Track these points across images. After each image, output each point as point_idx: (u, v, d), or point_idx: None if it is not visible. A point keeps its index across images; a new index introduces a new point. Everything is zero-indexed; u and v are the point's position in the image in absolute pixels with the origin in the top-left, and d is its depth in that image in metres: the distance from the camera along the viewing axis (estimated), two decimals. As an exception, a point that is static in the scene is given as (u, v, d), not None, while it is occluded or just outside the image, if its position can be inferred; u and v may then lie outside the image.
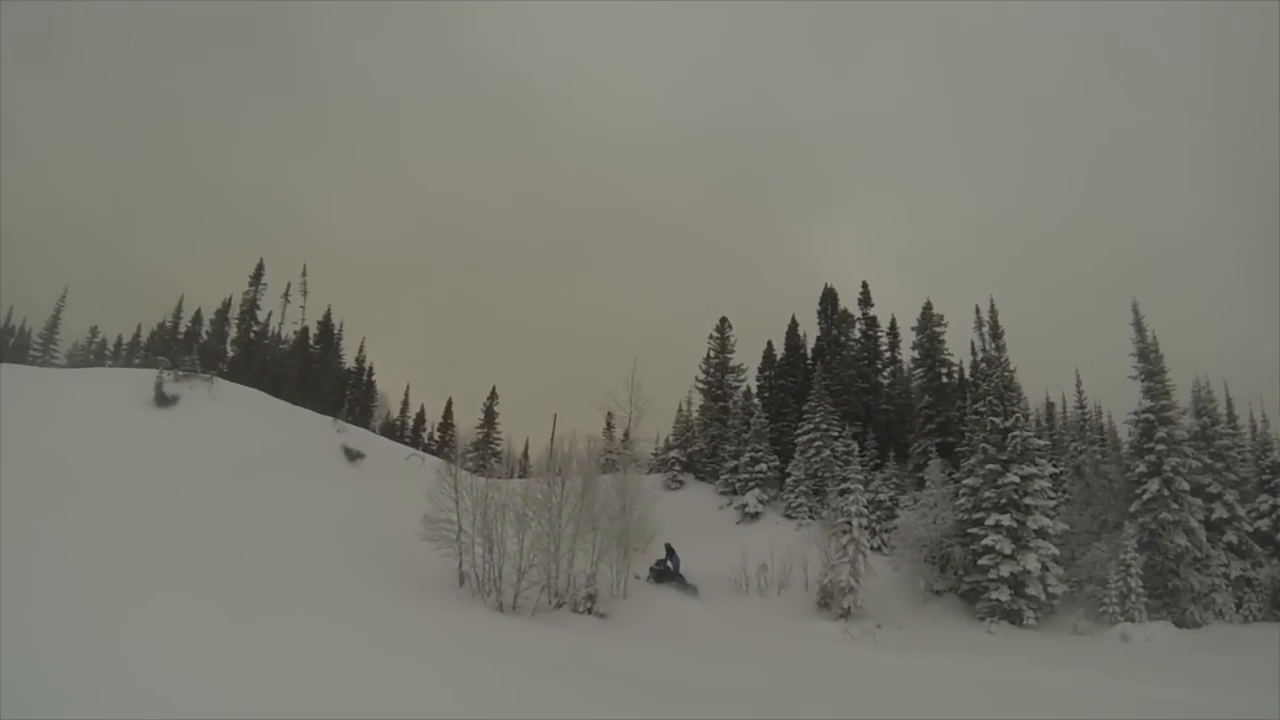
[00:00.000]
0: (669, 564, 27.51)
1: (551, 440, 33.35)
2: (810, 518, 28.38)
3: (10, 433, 20.93)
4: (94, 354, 52.71)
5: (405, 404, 52.73)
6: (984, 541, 23.42)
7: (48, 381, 30.36)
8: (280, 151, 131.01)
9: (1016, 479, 23.97)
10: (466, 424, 47.92)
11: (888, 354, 37.50)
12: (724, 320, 40.05)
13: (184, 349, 40.44)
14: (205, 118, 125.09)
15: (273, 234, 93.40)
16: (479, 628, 17.56)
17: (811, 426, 31.63)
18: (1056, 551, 23.41)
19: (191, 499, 20.22)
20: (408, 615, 16.47)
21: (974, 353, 30.63)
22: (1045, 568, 23.03)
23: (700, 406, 38.77)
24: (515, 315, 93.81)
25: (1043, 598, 22.81)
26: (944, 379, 34.01)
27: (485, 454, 41.11)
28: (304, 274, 49.32)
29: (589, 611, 21.48)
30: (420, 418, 52.37)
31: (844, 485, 26.24)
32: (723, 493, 32.73)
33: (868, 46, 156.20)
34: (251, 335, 48.43)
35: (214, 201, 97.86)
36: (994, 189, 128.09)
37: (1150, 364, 26.39)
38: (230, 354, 47.18)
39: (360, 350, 51.57)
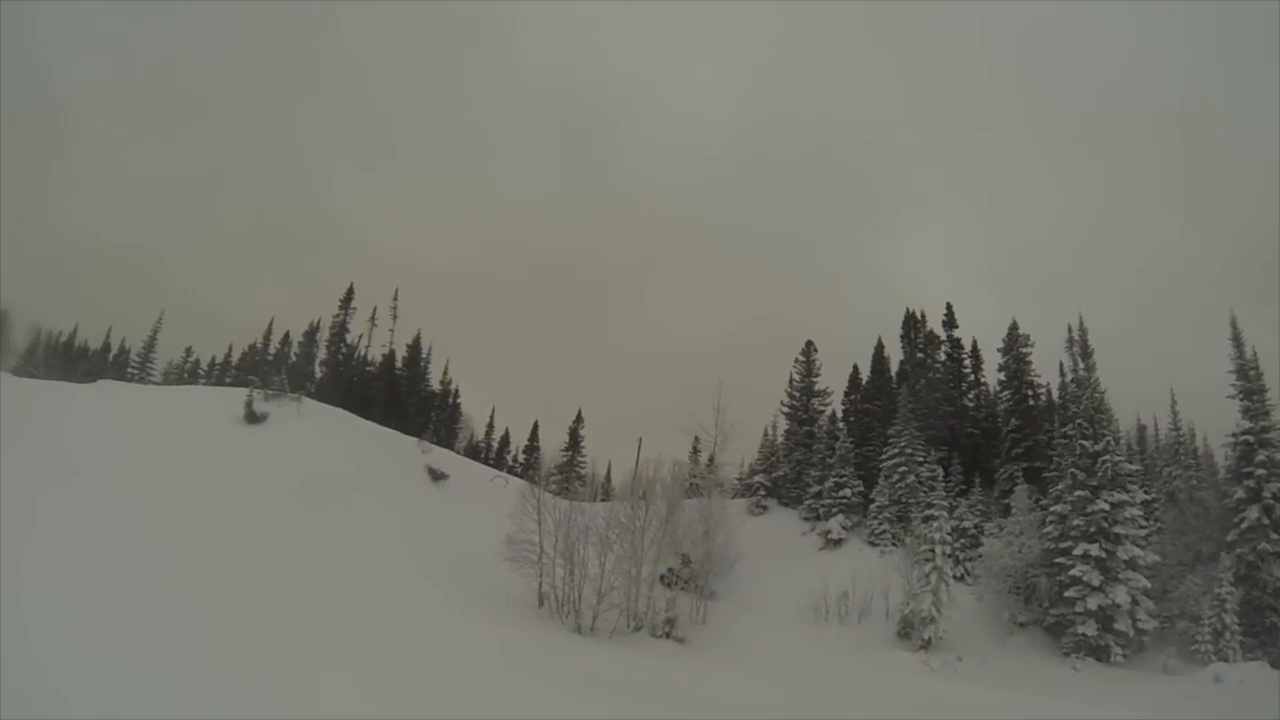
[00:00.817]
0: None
1: (636, 464, 34.02)
2: (893, 545, 28.12)
3: (105, 442, 22.72)
4: (188, 373, 56.05)
5: (490, 426, 54.32)
6: (1071, 572, 22.79)
7: (145, 397, 32.60)
8: (351, 174, 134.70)
9: (1106, 506, 23.29)
10: (551, 446, 48.95)
11: (972, 376, 36.85)
12: (809, 344, 39.95)
13: (273, 369, 42.50)
14: (276, 145, 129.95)
15: (351, 258, 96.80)
16: (557, 649, 18.16)
17: (896, 451, 31.30)
18: (1147, 584, 22.53)
19: (277, 514, 21.59)
20: (487, 633, 17.29)
21: (1062, 373, 29.76)
22: (1135, 601, 22.20)
23: (785, 431, 38.69)
24: (592, 334, 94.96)
25: (1131, 633, 22.00)
26: (1031, 401, 33.23)
27: (569, 477, 42.12)
28: (395, 299, 51.63)
29: (667, 636, 22.09)
30: (505, 440, 53.64)
31: (928, 512, 26.02)
32: (806, 518, 32.63)
33: (945, 49, 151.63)
34: (340, 357, 50.51)
35: (289, 227, 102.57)
36: (1081, 195, 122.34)
37: (1249, 381, 25.12)
38: (318, 375, 49.23)
39: (446, 373, 53.54)
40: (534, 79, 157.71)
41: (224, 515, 19.98)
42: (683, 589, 24.17)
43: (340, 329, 50.67)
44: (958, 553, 25.94)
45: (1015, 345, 34.02)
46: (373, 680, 10.79)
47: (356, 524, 23.19)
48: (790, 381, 39.55)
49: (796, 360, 39.85)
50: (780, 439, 38.59)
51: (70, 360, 54.77)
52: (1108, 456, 24.16)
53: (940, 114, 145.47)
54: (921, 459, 30.89)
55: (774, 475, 36.02)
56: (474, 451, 49.93)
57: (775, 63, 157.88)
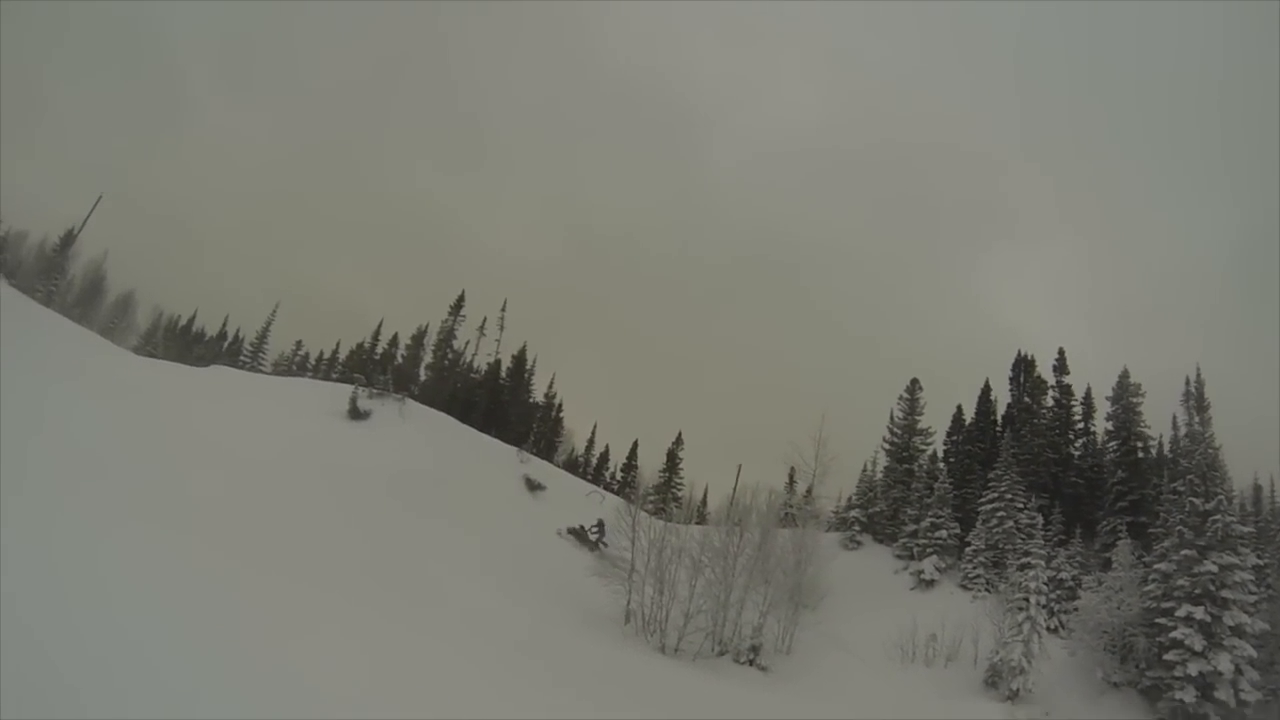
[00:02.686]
0: (592, 533, 29.31)
1: (734, 490, 34.68)
2: (986, 590, 27.77)
3: (214, 428, 24.32)
4: (296, 365, 58.68)
5: (591, 442, 55.47)
6: (1172, 634, 21.90)
7: (254, 385, 34.74)
8: (443, 176, 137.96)
9: (1214, 568, 22.34)
10: (650, 465, 49.63)
11: (1080, 424, 35.78)
12: (914, 382, 39.74)
13: (379, 369, 44.00)
14: (375, 142, 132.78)
15: (452, 258, 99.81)
16: (640, 668, 18.78)
17: (996, 495, 30.84)
18: (1254, 654, 21.29)
19: (371, 512, 22.42)
20: (572, 646, 18.05)
21: (1175, 426, 28.94)
22: (1239, 670, 21.03)
23: (885, 467, 38.47)
24: (686, 344, 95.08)
25: (1233, 704, 20.79)
26: (1140, 453, 32.16)
27: (666, 497, 42.96)
28: (503, 309, 53.32)
29: (751, 663, 22.55)
30: (605, 456, 54.72)
31: (1025, 559, 25.50)
32: (899, 556, 32.41)
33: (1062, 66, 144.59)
34: (446, 362, 52.30)
35: (393, 229, 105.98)
36: (1205, 225, 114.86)
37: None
38: (423, 378, 50.98)
39: (550, 386, 55.03)
40: (618, 78, 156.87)
41: (319, 509, 21.03)
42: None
43: (448, 335, 52.67)
44: (1053, 604, 25.31)
45: (1125, 394, 33.08)
46: (454, 690, 11.67)
47: (448, 526, 24.28)
48: (892, 418, 39.43)
49: (900, 398, 39.75)
50: (879, 475, 38.32)
51: (187, 343, 58.59)
52: (1219, 516, 23.23)
53: (1056, 136, 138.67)
54: (1022, 505, 30.33)
55: (870, 511, 35.86)
56: (573, 465, 51.09)
57: (875, 65, 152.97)
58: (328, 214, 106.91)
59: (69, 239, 53.21)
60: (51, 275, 52.59)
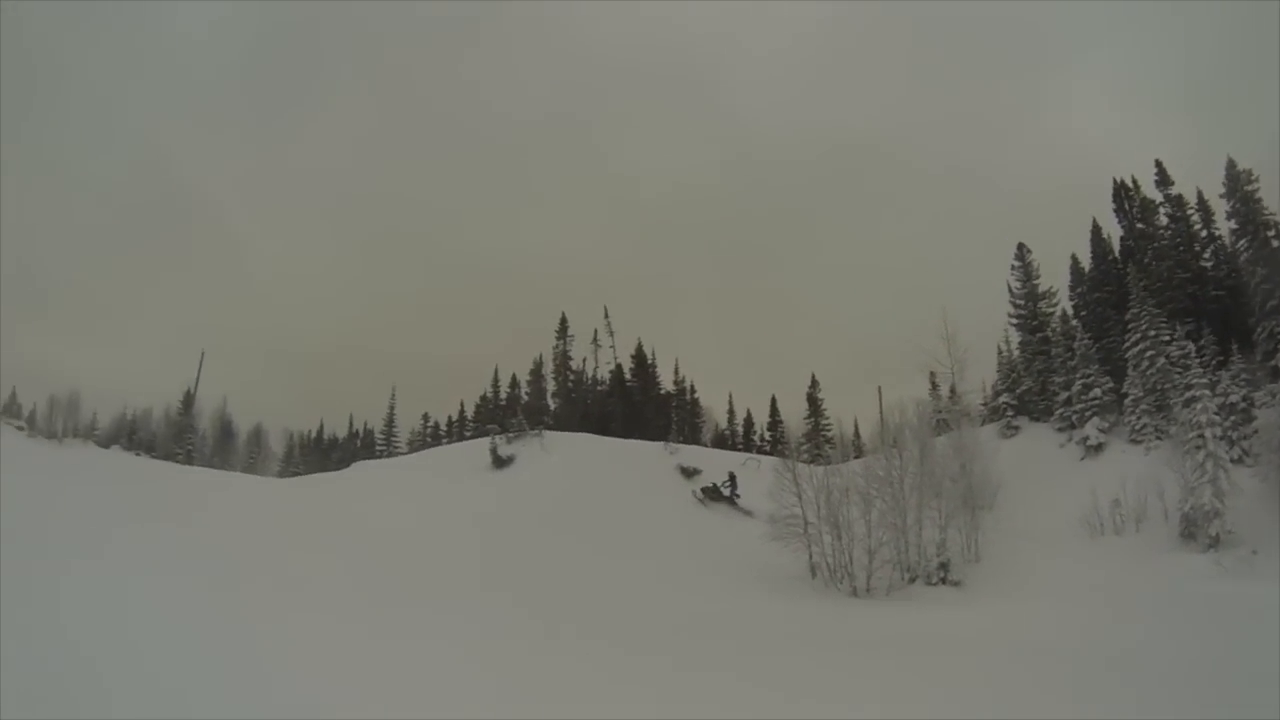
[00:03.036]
0: (725, 488, 30.47)
1: (880, 413, 34.74)
2: (1157, 438, 26.89)
3: (373, 514, 25.41)
4: (429, 436, 60.64)
5: (731, 412, 55.68)
6: (1368, 425, 20.98)
7: (398, 466, 36.82)
8: (492, 200, 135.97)
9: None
10: (793, 416, 49.46)
11: (1203, 232, 33.65)
12: (1021, 246, 38.29)
13: (509, 413, 45.89)
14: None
15: (521, 285, 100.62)
16: (832, 616, 18.70)
17: (1139, 336, 29.64)
18: None
19: (540, 540, 23.69)
20: (766, 611, 18.39)
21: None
22: None
23: (1019, 343, 37.44)
24: (778, 292, 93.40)
25: None
26: (1276, 242, 29.82)
27: (817, 442, 43.23)
28: (606, 315, 54.63)
29: (943, 582, 22.46)
30: (748, 422, 54.85)
31: (1188, 394, 24.36)
32: (1060, 429, 31.63)
33: None
34: (569, 385, 53.78)
35: (460, 272, 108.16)
36: None
37: None
38: (553, 407, 52.47)
39: (677, 372, 55.41)
40: (617, 59, 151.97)
41: (498, 557, 21.92)
42: None
43: (563, 358, 54.31)
44: (1229, 432, 24.29)
45: (1239, 185, 30.74)
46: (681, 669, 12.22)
47: (617, 533, 25.49)
48: (1010, 290, 38.26)
49: (1011, 267, 38.51)
50: (1016, 353, 37.34)
51: (323, 452, 62.30)
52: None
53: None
54: (1168, 338, 29.14)
55: (1018, 391, 35.01)
56: (721, 441, 51.78)
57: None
58: (397, 285, 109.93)
59: (189, 399, 57.91)
60: (184, 436, 57.50)
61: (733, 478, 30.85)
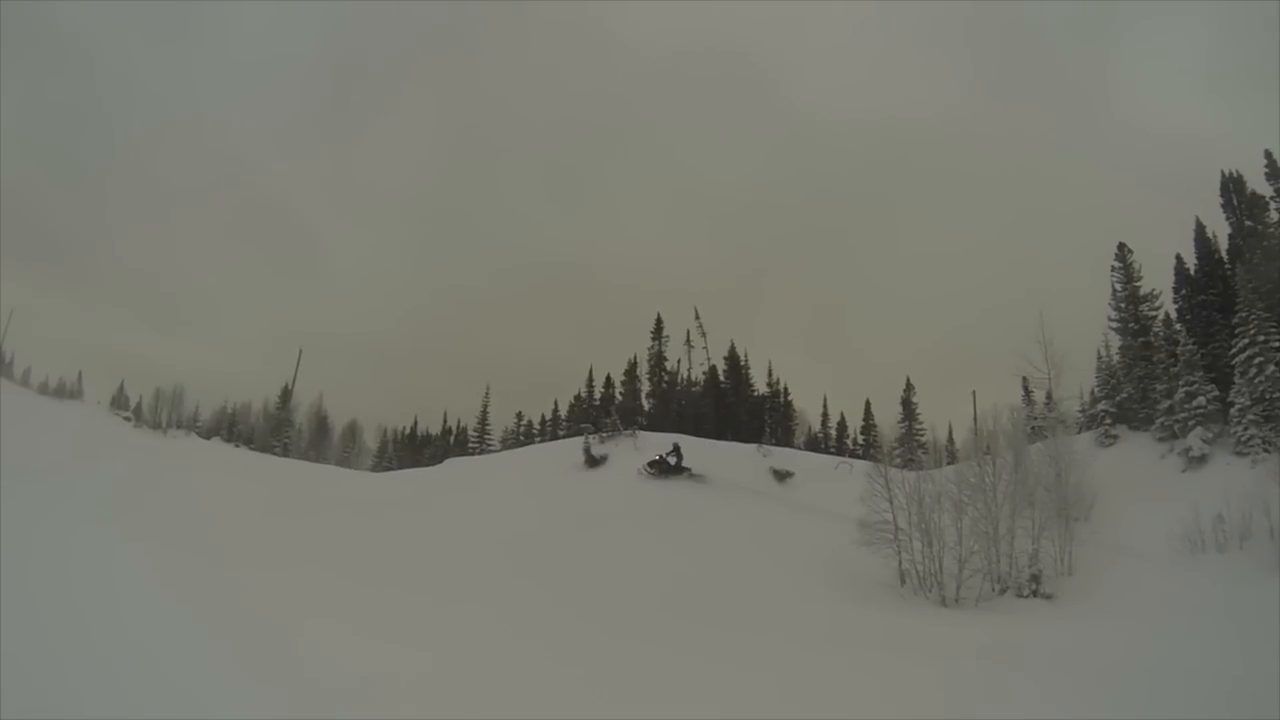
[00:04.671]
0: (671, 459, 31.57)
1: (974, 419, 34.43)
2: (1264, 450, 25.94)
3: (460, 509, 27.10)
4: (523, 435, 62.19)
5: (825, 415, 56.17)
6: None
7: (490, 463, 38.06)
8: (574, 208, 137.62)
9: None
10: (887, 420, 50.06)
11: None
12: (1122, 246, 37.18)
13: (603, 412, 47.15)
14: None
15: (612, 284, 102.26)
16: (922, 625, 18.71)
17: (1247, 341, 28.58)
18: None
19: (624, 540, 24.60)
20: (848, 620, 18.46)
21: None
22: None
23: (1119, 347, 36.30)
24: (866, 294, 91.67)
25: None
26: None
27: (910, 447, 42.95)
28: (697, 317, 55.59)
29: (1034, 594, 22.10)
30: (841, 425, 55.04)
31: (1299, 405, 23.81)
32: (1160, 439, 30.67)
33: None
34: (663, 385, 54.76)
35: (546, 274, 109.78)
36: None
37: None
38: (646, 407, 53.46)
39: (770, 374, 55.94)
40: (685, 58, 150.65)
41: (593, 558, 23.00)
42: None
43: (658, 359, 55.50)
44: (1344, 446, 23.31)
45: None
46: (743, 683, 12.16)
47: (706, 534, 26.10)
48: (1113, 291, 37.12)
49: (1112, 268, 37.42)
50: (1115, 358, 36.29)
51: (416, 448, 64.59)
52: None
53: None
54: (1279, 343, 28.03)
55: (1117, 399, 34.12)
56: (814, 444, 52.15)
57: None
58: (471, 284, 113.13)
59: (286, 395, 61.78)
60: (281, 431, 60.90)
61: (676, 448, 32.82)
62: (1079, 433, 33.24)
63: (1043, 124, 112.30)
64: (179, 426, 54.51)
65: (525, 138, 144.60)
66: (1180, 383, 30.20)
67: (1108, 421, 33.80)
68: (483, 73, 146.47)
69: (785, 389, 55.93)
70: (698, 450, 36.36)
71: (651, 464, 32.80)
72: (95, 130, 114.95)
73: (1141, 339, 35.29)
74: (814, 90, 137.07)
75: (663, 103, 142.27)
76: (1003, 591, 22.51)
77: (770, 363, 56.58)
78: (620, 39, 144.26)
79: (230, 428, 61.58)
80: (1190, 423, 29.13)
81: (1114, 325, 36.90)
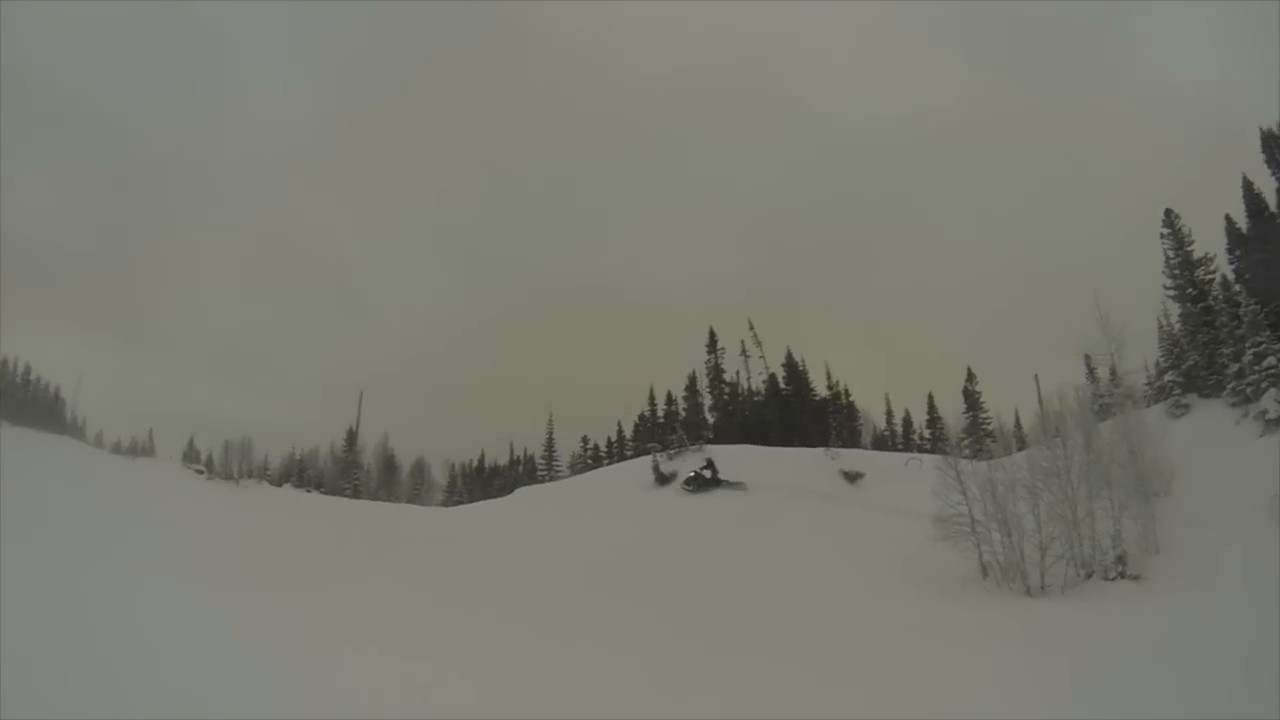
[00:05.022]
0: (706, 472, 33.09)
1: (1039, 402, 34.10)
2: (1343, 407, 25.34)
3: (538, 535, 27.47)
4: (590, 458, 62.46)
5: (889, 412, 55.91)
6: None
7: (560, 490, 38.46)
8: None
9: None
10: (951, 412, 49.57)
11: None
12: (1169, 212, 36.43)
13: (668, 430, 47.62)
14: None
15: (657, 303, 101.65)
16: (1011, 617, 18.47)
17: (1312, 295, 28.05)
18: None
19: (705, 554, 24.90)
20: (936, 618, 18.36)
21: None
22: None
23: (1179, 315, 35.56)
24: (910, 290, 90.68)
25: None
26: None
27: (978, 437, 42.56)
28: (751, 328, 55.75)
29: (1120, 576, 21.72)
30: (907, 422, 54.68)
31: (1375, 355, 23.10)
32: (1233, 405, 29.94)
33: None
34: (725, 398, 54.84)
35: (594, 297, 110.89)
36: None
37: None
38: (711, 420, 53.62)
39: (829, 376, 55.76)
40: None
41: (669, 570, 23.52)
42: None
43: (716, 372, 55.63)
44: None
45: None
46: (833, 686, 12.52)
47: (781, 539, 26.48)
48: (1165, 259, 36.36)
49: (1161, 234, 36.73)
50: (1177, 326, 35.58)
51: (485, 480, 65.62)
52: None
53: None
54: (1346, 290, 27.30)
55: (1184, 367, 33.47)
56: (880, 443, 52.09)
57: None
58: (525, 314, 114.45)
59: (352, 437, 63.20)
60: (350, 473, 62.24)
61: (710, 463, 34.25)
62: (1148, 406, 32.25)
63: (1063, 97, 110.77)
64: (250, 476, 56.35)
65: (547, 160, 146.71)
66: (1247, 345, 29.63)
67: (1177, 392, 33.14)
68: (499, 97, 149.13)
69: (846, 390, 55.97)
70: (764, 459, 36.85)
71: (688, 480, 33.62)
72: (138, 197, 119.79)
73: (1201, 304, 34.49)
74: (830, 89, 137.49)
75: (682, 117, 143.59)
76: (1088, 576, 22.16)
77: (827, 365, 56.93)
78: (633, 57, 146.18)
79: (300, 474, 63.14)
80: (1263, 384, 28.48)
81: (1170, 293, 36.14)
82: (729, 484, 33.38)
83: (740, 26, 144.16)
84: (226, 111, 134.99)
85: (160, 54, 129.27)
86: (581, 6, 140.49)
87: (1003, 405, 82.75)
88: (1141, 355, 37.11)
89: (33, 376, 57.67)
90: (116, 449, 57.23)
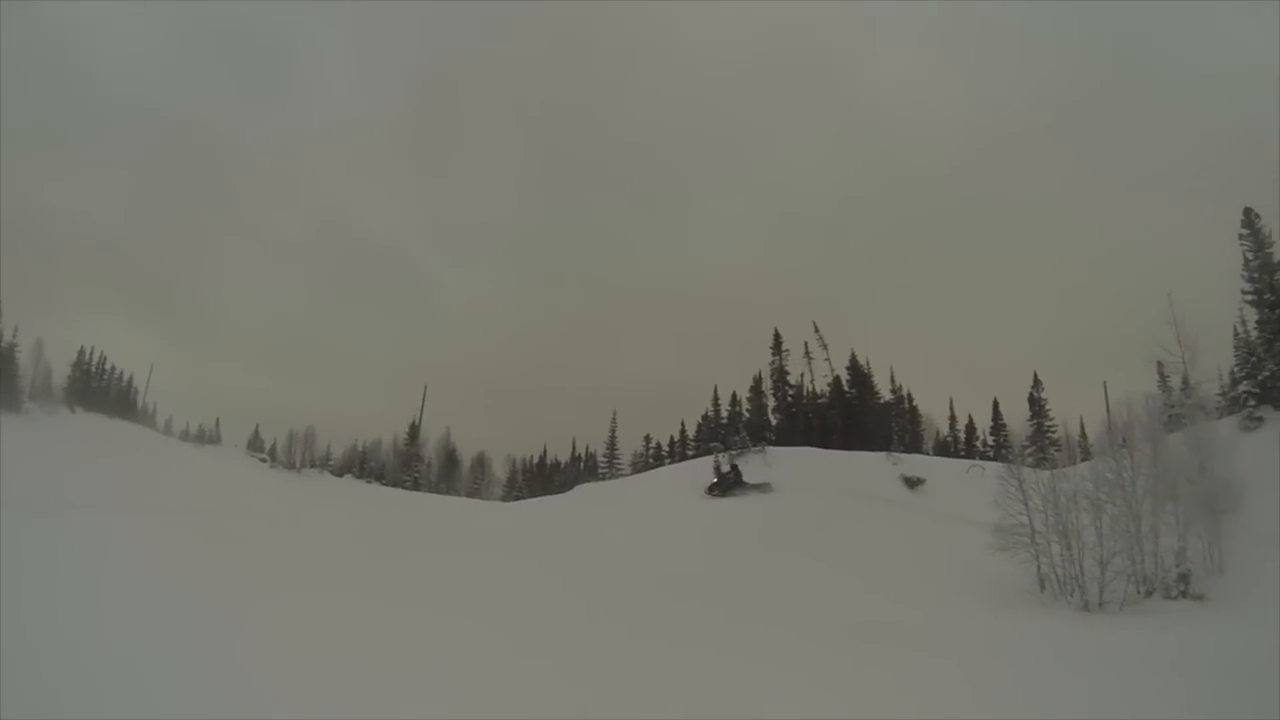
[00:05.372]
0: (731, 475, 33.48)
1: (1107, 410, 33.39)
2: None
3: (590, 531, 27.97)
4: (652, 458, 62.92)
5: (952, 418, 55.44)
6: None
7: (621, 488, 38.79)
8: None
9: None
10: (1016, 419, 48.58)
11: None
12: (1249, 212, 35.19)
13: (731, 431, 47.70)
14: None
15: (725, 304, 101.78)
16: (1063, 633, 17.88)
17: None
18: None
19: (767, 550, 25.30)
20: (991, 631, 17.93)
21: None
22: None
23: (1257, 321, 34.21)
24: (980, 292, 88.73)
25: None
26: None
27: (1042, 445, 41.90)
28: (816, 330, 55.60)
29: (1183, 595, 21.23)
30: (970, 428, 54.09)
31: None
32: None
33: None
34: (788, 400, 54.70)
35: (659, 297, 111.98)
36: None
37: None
38: (774, 422, 53.44)
39: (893, 380, 55.57)
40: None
41: (729, 557, 24.13)
42: None
43: (780, 374, 55.58)
44: None
45: None
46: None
47: (841, 544, 26.53)
48: (1244, 262, 35.06)
49: (1240, 235, 35.45)
50: (1254, 333, 34.29)
51: (545, 476, 66.79)
52: None
53: None
54: None
55: (1260, 378, 32.32)
56: (943, 448, 51.82)
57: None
58: (593, 312, 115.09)
59: (414, 430, 64.65)
60: (411, 465, 63.80)
61: (735, 467, 34.81)
62: (1220, 418, 31.37)
63: (1134, 93, 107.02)
64: (312, 466, 58.41)
65: (614, 160, 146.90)
66: (1326, 354, 28.58)
67: (1251, 403, 31.94)
68: (563, 97, 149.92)
69: (909, 394, 55.65)
70: (825, 462, 36.90)
71: (711, 487, 34.30)
72: (211, 196, 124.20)
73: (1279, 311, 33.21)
74: (897, 88, 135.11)
75: (748, 118, 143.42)
76: (1149, 593, 21.72)
77: (892, 369, 56.54)
78: (696, 54, 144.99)
79: (361, 465, 65.14)
80: (1343, 399, 27.36)
81: (1249, 298, 34.75)
82: (754, 486, 33.84)
83: (807, 26, 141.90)
84: (294, 113, 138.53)
85: (231, 57, 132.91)
86: (648, 6, 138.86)
87: (1068, 412, 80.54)
88: (1215, 364, 36.09)
89: (107, 365, 60.52)
90: (185, 436, 59.93)
